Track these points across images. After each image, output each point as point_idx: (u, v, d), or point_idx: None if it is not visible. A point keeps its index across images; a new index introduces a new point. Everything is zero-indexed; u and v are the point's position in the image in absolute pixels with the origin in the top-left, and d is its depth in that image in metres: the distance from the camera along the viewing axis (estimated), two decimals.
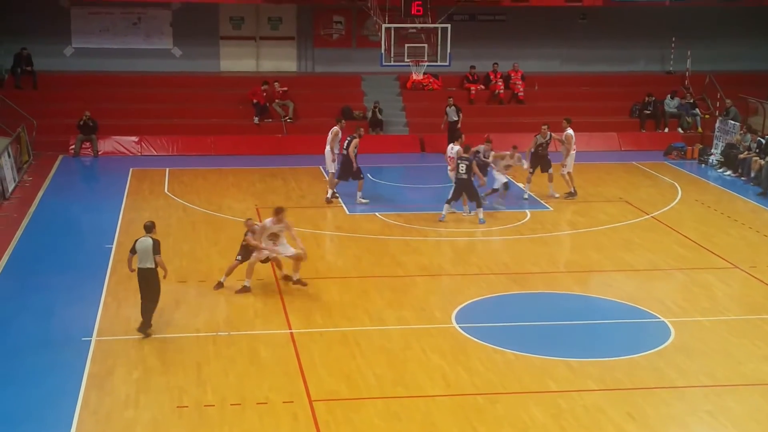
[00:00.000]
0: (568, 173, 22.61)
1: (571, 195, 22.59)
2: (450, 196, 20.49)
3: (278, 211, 16.12)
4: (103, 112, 27.87)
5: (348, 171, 21.52)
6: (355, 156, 21.25)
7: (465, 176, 20.11)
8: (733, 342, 14.40)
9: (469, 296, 16.12)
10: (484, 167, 21.15)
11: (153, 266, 14.10)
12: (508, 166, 21.68)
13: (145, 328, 14.21)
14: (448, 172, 21.33)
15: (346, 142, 21.46)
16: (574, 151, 22.72)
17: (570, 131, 22.64)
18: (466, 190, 20.36)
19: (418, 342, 14.17)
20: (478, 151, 21.34)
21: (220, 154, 27.36)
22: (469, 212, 20.77)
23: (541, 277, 17.35)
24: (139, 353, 13.65)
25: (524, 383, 12.88)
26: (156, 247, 14.06)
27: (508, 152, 21.70)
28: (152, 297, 14.26)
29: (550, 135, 22.65)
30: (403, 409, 12.05)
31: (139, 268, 14.16)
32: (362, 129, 22.25)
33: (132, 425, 11.63)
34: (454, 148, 21.11)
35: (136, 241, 14.22)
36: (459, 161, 20.20)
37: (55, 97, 28.95)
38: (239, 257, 16.28)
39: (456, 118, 27.60)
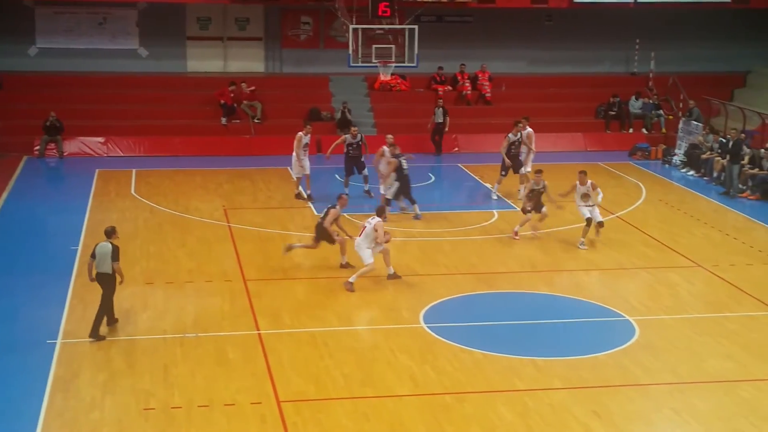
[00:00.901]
0: (527, 172, 22.63)
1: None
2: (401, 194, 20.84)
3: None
4: (68, 112, 27.63)
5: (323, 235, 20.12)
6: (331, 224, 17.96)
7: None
8: (697, 340, 14.59)
9: (437, 296, 16.20)
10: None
11: (111, 272, 14.20)
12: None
13: (94, 331, 14.11)
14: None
15: (323, 213, 17.94)
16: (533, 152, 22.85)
17: (530, 129, 22.81)
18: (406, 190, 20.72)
19: (386, 342, 14.22)
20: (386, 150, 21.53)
21: (187, 155, 27.24)
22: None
23: (508, 277, 17.47)
24: (106, 355, 13.58)
25: (492, 382, 12.98)
26: (115, 254, 14.15)
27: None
28: (107, 299, 14.27)
29: (521, 133, 22.72)
30: (372, 409, 12.10)
31: (97, 273, 14.26)
32: (338, 203, 17.82)
33: (98, 427, 11.58)
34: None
35: (96, 245, 14.32)
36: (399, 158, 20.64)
37: (19, 98, 28.65)
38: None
39: (441, 120, 27.76)
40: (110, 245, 14.21)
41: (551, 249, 19.14)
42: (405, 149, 23.90)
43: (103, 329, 14.26)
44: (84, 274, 16.59)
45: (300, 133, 22.13)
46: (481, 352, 13.87)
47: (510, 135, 22.72)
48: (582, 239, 19.14)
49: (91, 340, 14.01)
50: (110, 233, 14.40)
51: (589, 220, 19.13)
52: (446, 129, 28.00)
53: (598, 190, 19.57)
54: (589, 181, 19.34)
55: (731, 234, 20.48)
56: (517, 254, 18.75)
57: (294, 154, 22.05)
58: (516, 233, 19.57)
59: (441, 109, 27.92)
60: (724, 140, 25.52)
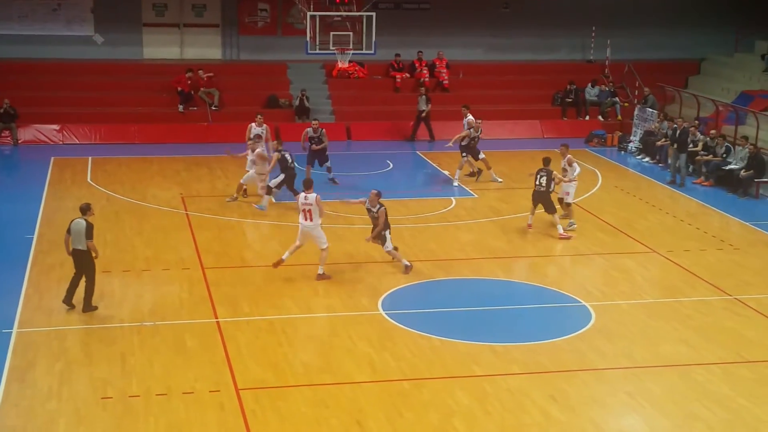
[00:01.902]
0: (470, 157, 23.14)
1: (474, 175, 23.24)
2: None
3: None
4: (22, 100, 27.28)
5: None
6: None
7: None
8: (652, 324, 14.81)
9: (395, 283, 16.26)
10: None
11: (85, 249, 14.41)
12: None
13: (85, 309, 14.55)
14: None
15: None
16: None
17: (471, 117, 23.13)
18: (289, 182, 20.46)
19: (345, 329, 14.26)
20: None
21: (144, 142, 27.02)
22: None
23: (467, 264, 17.58)
24: (62, 345, 13.47)
25: (450, 368, 13.07)
26: (89, 232, 14.36)
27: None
28: (90, 276, 14.55)
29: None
30: (330, 397, 12.14)
31: (73, 249, 14.50)
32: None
33: (55, 417, 11.50)
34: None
35: (72, 221, 14.54)
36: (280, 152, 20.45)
37: None
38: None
39: (425, 108, 27.77)
40: (85, 222, 14.38)
41: (510, 236, 19.27)
42: (363, 137, 23.97)
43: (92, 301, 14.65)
44: (39, 262, 16.52)
45: (252, 123, 22.07)
46: (439, 338, 13.96)
47: (471, 130, 22.96)
48: (571, 221, 19.51)
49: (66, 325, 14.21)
50: (85, 210, 14.56)
51: (560, 200, 19.54)
52: (424, 115, 27.87)
53: (575, 165, 19.71)
54: (568, 156, 19.69)
55: (686, 220, 20.77)
56: (476, 241, 18.87)
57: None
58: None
59: (424, 96, 27.96)
60: (675, 127, 25.82)
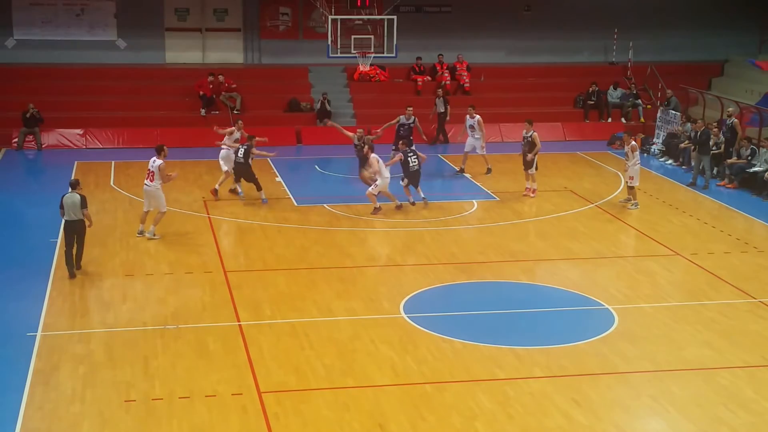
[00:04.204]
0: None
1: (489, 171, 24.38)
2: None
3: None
4: (46, 104, 27.47)
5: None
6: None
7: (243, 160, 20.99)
8: (675, 328, 14.71)
9: (417, 286, 16.24)
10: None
11: (81, 218, 16.15)
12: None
13: (75, 269, 16.27)
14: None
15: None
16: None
17: (478, 117, 24.12)
18: (245, 174, 21.07)
19: (367, 332, 14.25)
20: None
21: (166, 146, 27.03)
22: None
23: (488, 267, 17.53)
24: (86, 348, 13.55)
25: (472, 372, 13.04)
26: (83, 202, 16.16)
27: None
28: (82, 243, 16.39)
29: (414, 118, 24.40)
30: (352, 400, 12.13)
31: (67, 221, 16.19)
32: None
33: (79, 420, 11.56)
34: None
35: (63, 197, 16.17)
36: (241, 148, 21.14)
37: None
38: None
39: (443, 110, 27.84)
40: (78, 195, 16.13)
41: (531, 239, 19.22)
42: (385, 140, 24.00)
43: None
44: (63, 266, 16.62)
45: (232, 128, 22.41)
46: (461, 341, 13.92)
47: (401, 117, 24.34)
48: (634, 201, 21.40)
49: (70, 277, 16.13)
50: (75, 185, 16.35)
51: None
52: (448, 118, 28.10)
53: (636, 153, 21.24)
54: (632, 142, 21.43)
55: (710, 222, 20.63)
56: (497, 244, 18.82)
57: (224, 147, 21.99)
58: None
59: (442, 99, 28.00)
60: (693, 131, 25.66)
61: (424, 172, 21.41)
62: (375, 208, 20.14)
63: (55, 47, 30.21)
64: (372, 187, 20.28)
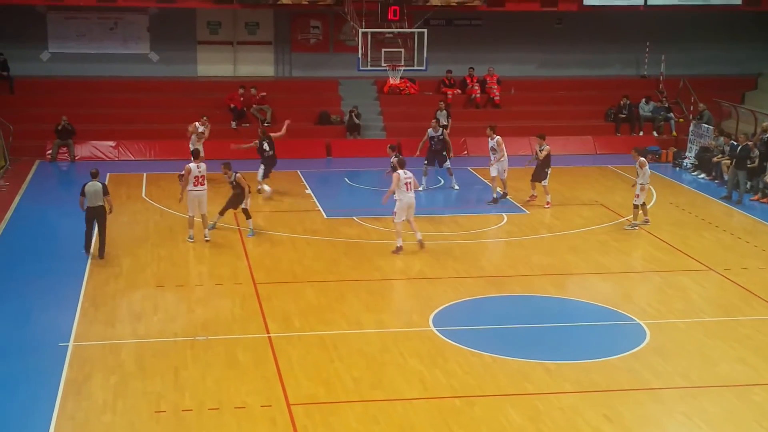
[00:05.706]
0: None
1: (504, 196, 22.81)
2: None
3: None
4: (79, 117, 27.76)
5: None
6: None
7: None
8: (708, 344, 14.55)
9: (446, 299, 16.19)
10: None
11: (102, 204, 17.72)
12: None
13: (99, 258, 17.75)
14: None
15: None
16: (505, 158, 22.49)
17: (498, 137, 22.45)
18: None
19: (396, 345, 14.22)
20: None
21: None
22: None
23: (518, 280, 17.45)
24: (117, 358, 13.63)
25: (501, 386, 12.97)
26: (105, 189, 17.85)
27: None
28: (104, 229, 17.91)
29: (442, 130, 24.00)
30: (381, 413, 12.10)
31: (89, 207, 17.72)
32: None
33: (110, 430, 11.62)
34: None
35: (85, 185, 17.71)
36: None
37: (32, 102, 28.82)
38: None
39: (445, 123, 27.71)
40: (99, 183, 17.78)
41: (560, 252, 19.12)
42: (413, 153, 24.01)
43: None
44: (95, 277, 16.74)
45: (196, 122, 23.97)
46: (491, 355, 13.86)
47: (429, 130, 23.92)
48: (634, 222, 20.58)
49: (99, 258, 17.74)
50: (95, 174, 18.00)
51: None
52: (448, 131, 27.78)
53: (646, 169, 20.60)
54: (640, 159, 20.60)
55: (743, 237, 20.41)
56: (527, 257, 18.74)
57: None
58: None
59: (444, 111, 27.89)
60: (735, 143, 25.42)
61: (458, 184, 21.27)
62: (397, 246, 18.61)
63: (89, 60, 30.52)
64: (395, 214, 18.68)
